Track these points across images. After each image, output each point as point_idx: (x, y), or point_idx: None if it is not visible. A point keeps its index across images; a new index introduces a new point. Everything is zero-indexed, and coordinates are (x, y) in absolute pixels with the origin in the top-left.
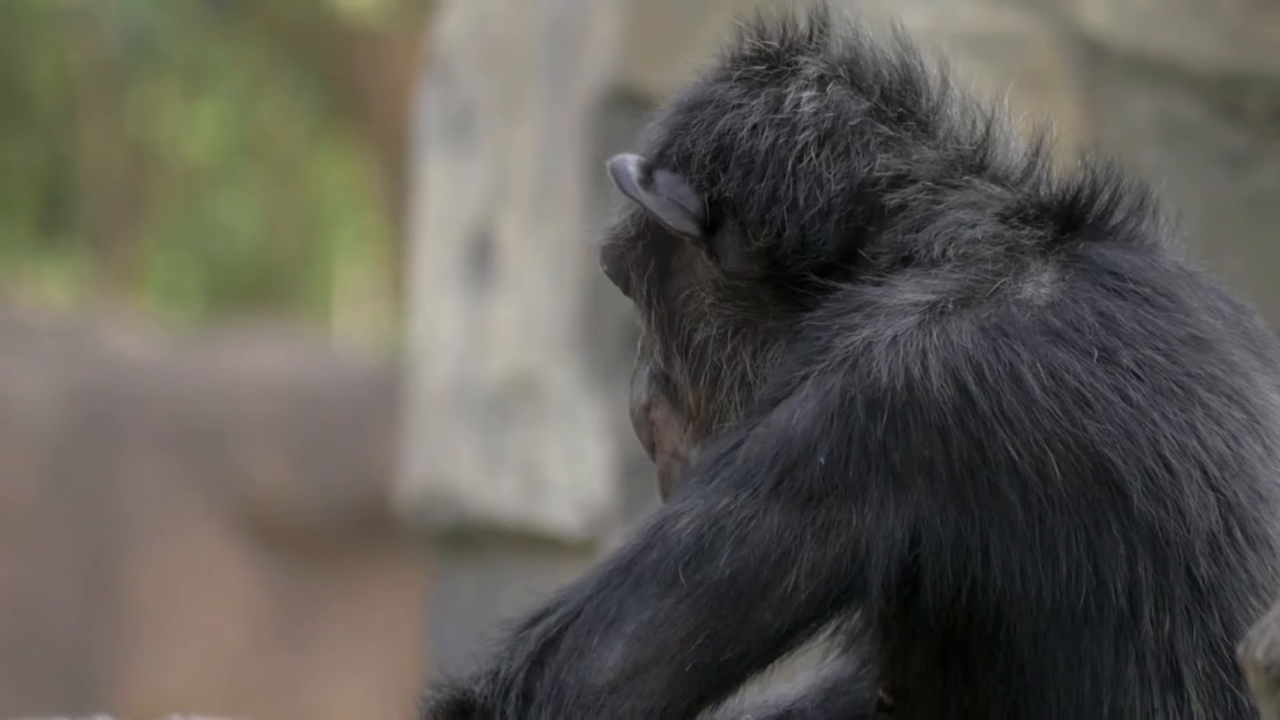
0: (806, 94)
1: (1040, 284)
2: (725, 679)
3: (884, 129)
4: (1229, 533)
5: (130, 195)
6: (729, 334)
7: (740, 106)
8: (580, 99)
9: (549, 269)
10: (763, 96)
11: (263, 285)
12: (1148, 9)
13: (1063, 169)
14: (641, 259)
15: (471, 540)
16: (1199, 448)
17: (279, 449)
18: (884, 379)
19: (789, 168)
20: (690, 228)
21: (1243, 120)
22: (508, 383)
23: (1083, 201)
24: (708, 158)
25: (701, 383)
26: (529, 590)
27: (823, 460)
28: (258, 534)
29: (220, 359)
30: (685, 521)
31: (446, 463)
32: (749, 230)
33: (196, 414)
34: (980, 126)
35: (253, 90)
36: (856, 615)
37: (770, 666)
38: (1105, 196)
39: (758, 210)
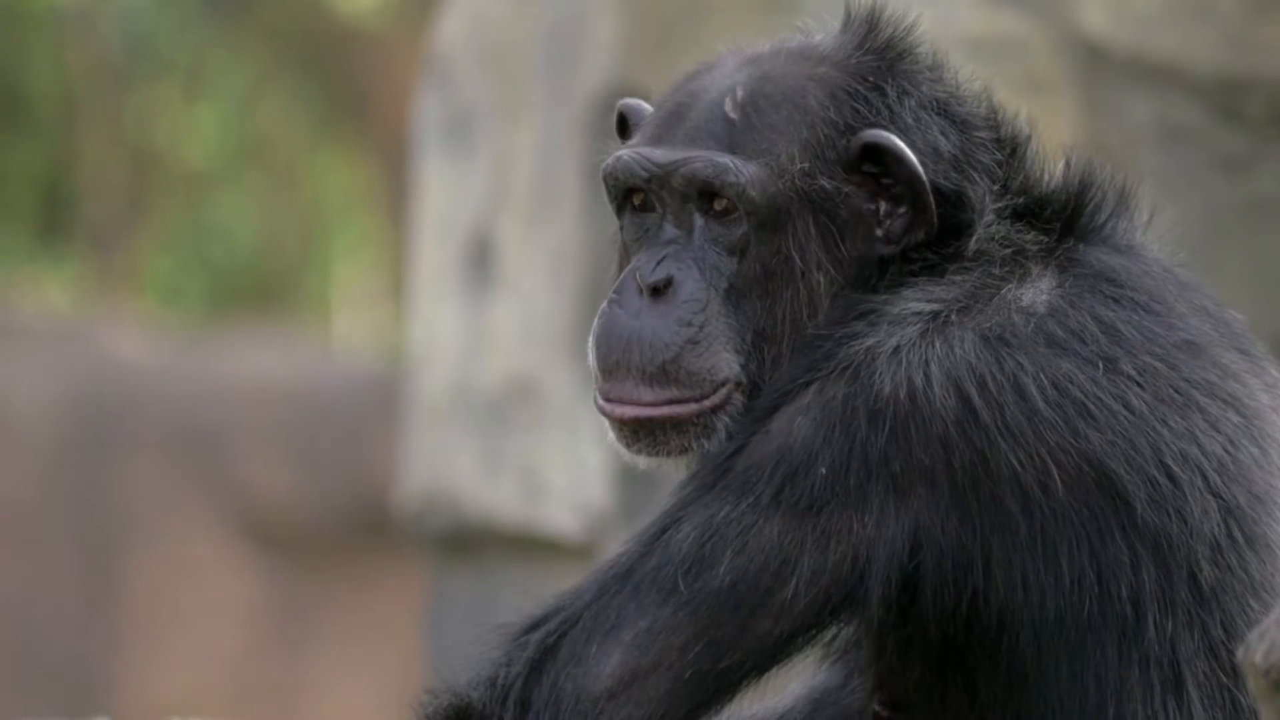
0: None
1: (1039, 290)
2: (723, 686)
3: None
4: (1230, 535)
5: (130, 199)
6: None
7: None
8: (580, 102)
9: (548, 272)
10: None
11: (262, 289)
12: (1147, 12)
13: (1051, 169)
14: None
15: (470, 544)
16: (1199, 454)
17: (278, 452)
18: (886, 389)
19: None
20: None
21: (1242, 123)
22: (507, 386)
23: (1075, 203)
24: None
25: None
26: (528, 593)
27: (824, 470)
28: (257, 537)
29: (220, 362)
30: (686, 529)
31: (446, 466)
32: None
33: (196, 417)
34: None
35: (252, 93)
36: (855, 623)
37: (768, 674)
38: (1093, 197)
39: None
